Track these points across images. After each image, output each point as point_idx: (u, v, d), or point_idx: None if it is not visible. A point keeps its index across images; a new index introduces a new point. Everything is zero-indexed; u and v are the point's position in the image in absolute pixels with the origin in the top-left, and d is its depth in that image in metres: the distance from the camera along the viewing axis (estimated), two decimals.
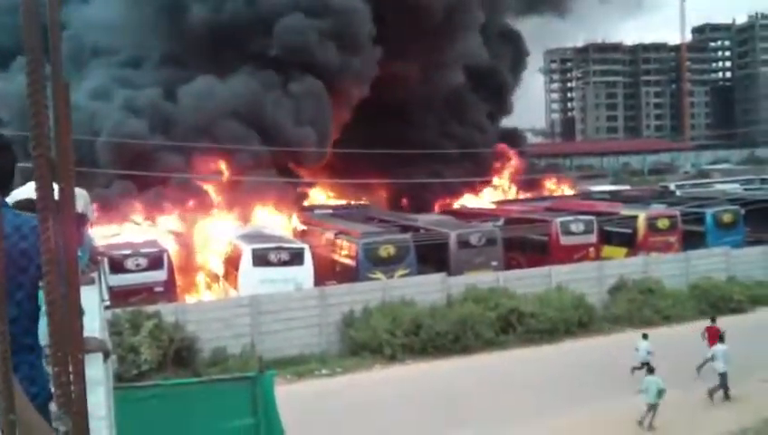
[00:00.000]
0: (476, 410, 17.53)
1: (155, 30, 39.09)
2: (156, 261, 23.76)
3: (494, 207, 41.89)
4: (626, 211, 32.70)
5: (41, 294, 5.08)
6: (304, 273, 24.08)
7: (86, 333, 2.69)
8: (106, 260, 20.75)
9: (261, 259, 23.89)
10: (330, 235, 29.10)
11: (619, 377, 19.34)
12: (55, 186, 2.63)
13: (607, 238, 30.67)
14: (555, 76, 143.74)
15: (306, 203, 40.76)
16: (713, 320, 20.68)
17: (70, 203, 2.41)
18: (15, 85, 32.70)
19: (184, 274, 28.25)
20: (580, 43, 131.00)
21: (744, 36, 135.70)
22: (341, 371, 21.28)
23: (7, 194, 3.51)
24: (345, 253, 27.09)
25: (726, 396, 17.90)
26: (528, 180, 52.78)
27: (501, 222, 32.63)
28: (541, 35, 72.70)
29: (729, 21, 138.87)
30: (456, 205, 44.42)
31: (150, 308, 20.47)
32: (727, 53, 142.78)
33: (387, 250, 25.85)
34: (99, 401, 3.09)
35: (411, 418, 17.23)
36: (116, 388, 7.22)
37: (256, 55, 38.07)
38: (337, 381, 20.47)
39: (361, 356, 21.94)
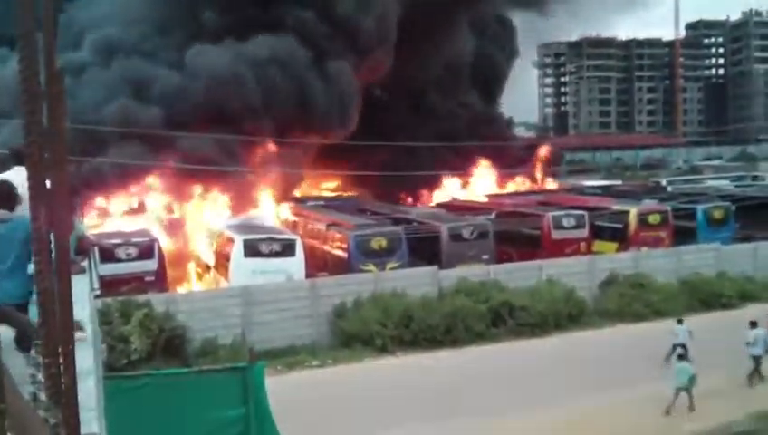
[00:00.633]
0: (466, 402, 17.61)
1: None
2: (147, 250, 23.68)
3: (486, 200, 41.89)
4: (617, 206, 32.79)
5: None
6: (296, 264, 24.06)
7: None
8: (96, 249, 20.69)
9: (252, 250, 23.86)
10: (322, 226, 29.07)
11: (607, 370, 19.44)
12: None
13: (598, 233, 30.74)
14: (549, 70, 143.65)
15: (298, 194, 40.68)
16: None
17: (63, 190, 2.43)
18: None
19: (175, 264, 28.16)
20: (574, 38, 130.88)
21: (737, 33, 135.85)
22: (332, 362, 21.29)
23: None
24: (337, 244, 27.07)
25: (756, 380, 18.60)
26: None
27: (493, 216, 32.63)
28: (534, 29, 72.39)
29: (723, 17, 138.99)
30: (448, 197, 44.40)
31: (141, 298, 20.42)
32: (721, 50, 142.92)
33: (379, 242, 25.85)
34: (89, 391, 3.10)
35: (401, 409, 17.25)
36: (106, 377, 7.22)
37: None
38: (327, 373, 20.49)
39: (352, 348, 21.97)
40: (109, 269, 21.48)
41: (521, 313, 23.42)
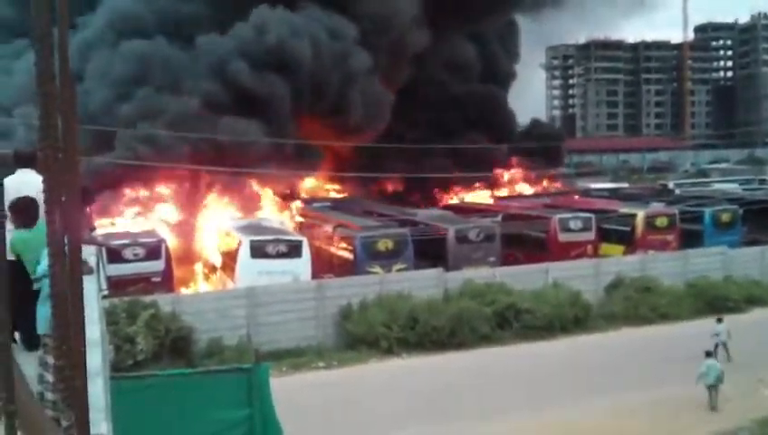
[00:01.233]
0: (471, 404, 17.61)
1: None
2: (154, 251, 23.74)
3: (493, 202, 41.85)
4: (624, 209, 32.73)
5: (45, 283, 5.09)
6: (302, 265, 24.09)
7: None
8: (104, 249, 20.77)
9: (259, 251, 23.89)
10: (328, 228, 29.10)
11: (613, 374, 19.42)
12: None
13: (605, 236, 30.67)
14: (556, 73, 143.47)
15: (304, 195, 40.72)
16: None
17: (76, 194, 2.47)
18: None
19: (181, 264, 28.23)
20: (582, 40, 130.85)
21: (746, 36, 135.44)
22: (337, 364, 21.30)
23: None
24: (343, 246, 27.10)
25: None
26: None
27: (499, 218, 32.61)
28: (542, 32, 72.39)
29: (731, 20, 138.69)
30: (456, 200, 44.39)
31: (147, 298, 20.48)
32: (729, 53, 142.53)
33: (385, 244, 25.87)
34: (97, 392, 3.18)
35: (406, 411, 17.27)
36: (112, 378, 7.26)
37: None
38: (333, 374, 20.51)
39: (358, 349, 21.97)
40: (116, 269, 21.56)
41: (526, 315, 23.37)
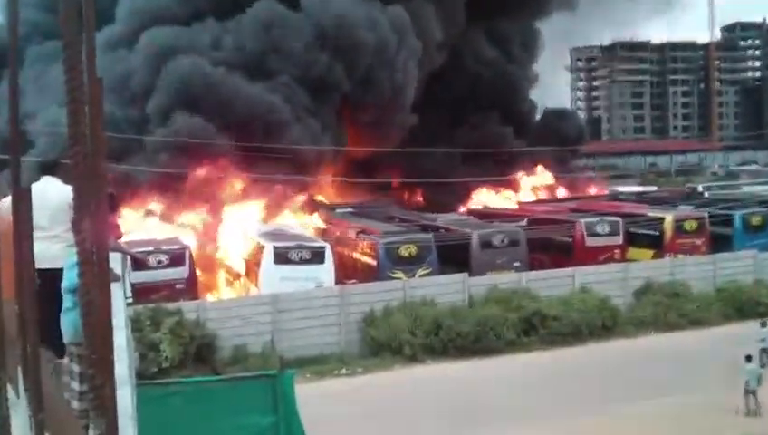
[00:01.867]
0: (497, 412, 17.46)
1: None
2: (178, 258, 23.84)
3: (517, 207, 41.56)
4: (652, 213, 32.29)
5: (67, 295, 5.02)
6: (325, 271, 24.05)
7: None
8: (128, 257, 20.84)
9: (282, 257, 23.89)
10: (351, 233, 29.04)
11: (642, 380, 19.13)
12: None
13: (633, 240, 30.27)
14: (581, 74, 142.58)
15: (327, 201, 40.72)
16: None
17: (104, 202, 2.47)
18: None
19: (205, 271, 28.34)
20: (606, 42, 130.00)
21: None
22: (362, 370, 21.27)
23: None
24: (366, 252, 27.01)
25: None
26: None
27: (524, 222, 32.33)
28: (567, 34, 71.91)
29: (759, 20, 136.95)
30: (479, 205, 44.13)
31: (172, 305, 20.55)
32: (757, 53, 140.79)
33: (408, 250, 25.73)
34: (125, 400, 3.20)
35: (431, 418, 17.24)
36: (137, 385, 7.18)
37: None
38: (357, 381, 20.50)
39: (381, 356, 21.91)
40: (140, 277, 21.66)
41: (553, 322, 23.14)
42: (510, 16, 49.59)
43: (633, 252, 29.91)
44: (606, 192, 51.66)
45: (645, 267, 27.32)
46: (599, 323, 23.69)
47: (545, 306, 23.53)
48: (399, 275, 24.81)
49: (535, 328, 23.08)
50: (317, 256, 24.21)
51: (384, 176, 40.40)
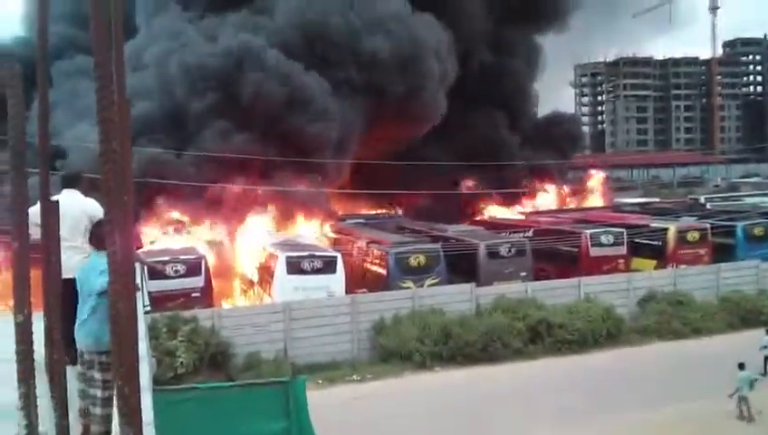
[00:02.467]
0: (503, 418, 17.74)
1: None
2: (194, 267, 24.23)
3: (523, 217, 41.97)
4: (656, 224, 32.70)
5: (90, 300, 5.38)
6: (336, 281, 24.47)
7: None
8: (145, 266, 21.31)
9: (295, 267, 24.32)
10: (361, 243, 29.49)
11: (646, 388, 19.49)
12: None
13: (636, 250, 30.69)
14: (585, 90, 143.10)
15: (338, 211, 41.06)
16: None
17: (129, 216, 2.50)
18: None
19: (221, 279, 28.73)
20: (610, 58, 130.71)
21: None
22: (372, 377, 21.56)
23: None
24: (376, 261, 27.45)
25: None
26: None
27: (530, 233, 32.77)
28: (570, 50, 72.34)
29: (760, 35, 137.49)
30: (486, 216, 44.52)
31: (188, 313, 20.97)
32: (758, 68, 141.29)
33: (417, 259, 26.18)
34: (147, 406, 3.26)
35: (440, 424, 17.50)
36: (154, 390, 7.64)
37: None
38: (368, 387, 20.75)
39: (391, 363, 22.24)
40: (158, 286, 22.12)
41: (559, 330, 23.49)
42: (516, 25, 49.99)
43: (637, 262, 30.32)
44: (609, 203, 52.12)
45: (648, 277, 27.69)
46: (603, 332, 24.03)
47: (551, 315, 23.88)
48: (409, 284, 25.26)
49: (541, 336, 23.42)
50: (329, 266, 24.66)
51: (391, 186, 40.65)
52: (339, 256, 25.49)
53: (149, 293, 21.10)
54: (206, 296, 24.21)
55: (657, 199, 58.63)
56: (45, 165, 3.15)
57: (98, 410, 5.36)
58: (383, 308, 23.47)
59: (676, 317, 25.31)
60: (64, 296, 5.08)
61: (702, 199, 54.47)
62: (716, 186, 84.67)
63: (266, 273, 26.24)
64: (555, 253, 30.50)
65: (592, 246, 29.60)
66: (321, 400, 14.95)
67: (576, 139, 56.93)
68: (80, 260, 5.84)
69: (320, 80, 35.27)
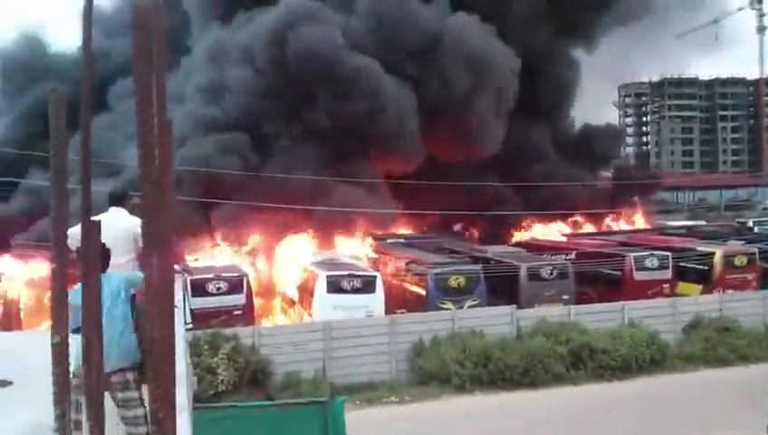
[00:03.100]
0: None
1: None
2: (236, 285, 24.46)
3: (565, 240, 41.52)
4: (702, 247, 32.07)
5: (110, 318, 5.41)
6: (376, 300, 24.47)
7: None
8: (188, 283, 21.61)
9: (335, 286, 24.41)
10: (401, 264, 29.45)
11: (692, 416, 19.04)
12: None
13: (682, 275, 30.10)
14: (629, 110, 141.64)
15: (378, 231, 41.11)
16: None
17: (170, 239, 2.50)
18: None
19: (262, 297, 28.96)
20: (655, 78, 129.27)
21: None
22: (410, 399, 21.47)
23: None
24: (415, 282, 27.37)
25: None
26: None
27: (573, 255, 32.38)
28: (615, 69, 71.75)
29: None
30: (527, 237, 44.16)
31: (229, 330, 21.14)
32: None
33: (457, 280, 26.02)
34: (183, 426, 3.35)
35: None
36: (194, 408, 7.68)
37: None
38: (406, 410, 20.65)
39: (430, 385, 22.10)
40: (200, 303, 22.37)
41: (602, 355, 23.11)
42: (564, 40, 50.00)
43: (682, 287, 29.72)
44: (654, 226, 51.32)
45: (694, 302, 27.14)
46: (647, 358, 23.57)
47: (593, 340, 23.52)
48: (448, 305, 25.12)
49: (584, 362, 23.06)
50: (368, 286, 24.68)
51: (437, 206, 40.66)
52: (378, 275, 25.51)
53: (192, 310, 21.36)
54: (248, 314, 24.39)
55: (704, 223, 57.53)
56: (87, 184, 3.16)
57: (142, 429, 5.39)
58: (422, 329, 23.38)
59: (723, 344, 24.74)
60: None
61: (750, 223, 53.29)
62: (765, 209, 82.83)
63: (306, 291, 26.36)
64: (598, 276, 30.06)
65: (637, 269, 29.10)
66: (358, 421, 14.86)
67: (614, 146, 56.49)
68: None
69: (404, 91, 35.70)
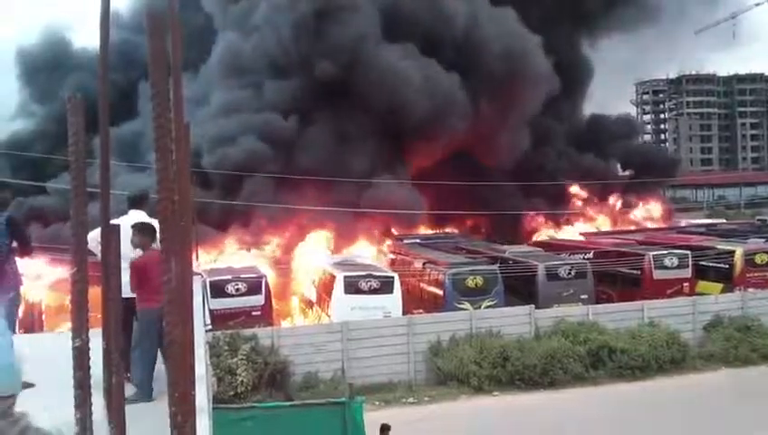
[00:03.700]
0: None
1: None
2: (255, 286, 24.56)
3: (583, 239, 41.29)
4: (722, 246, 31.77)
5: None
6: (393, 301, 24.47)
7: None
8: (208, 284, 21.72)
9: (353, 287, 24.44)
10: (418, 264, 29.42)
11: (711, 415, 18.84)
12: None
13: (702, 273, 29.84)
14: (647, 108, 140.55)
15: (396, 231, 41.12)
16: None
17: (188, 241, 2.53)
18: None
19: (280, 298, 29.05)
20: (672, 75, 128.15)
21: None
22: (428, 399, 21.44)
23: None
24: (433, 282, 27.33)
25: None
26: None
27: (591, 255, 32.18)
28: (632, 66, 71.22)
29: None
30: (545, 237, 43.98)
31: (248, 331, 21.21)
32: None
33: (474, 281, 25.96)
34: (203, 427, 3.27)
35: None
36: (214, 408, 7.71)
37: None
38: (424, 410, 20.63)
39: (448, 386, 22.06)
40: (219, 304, 22.49)
41: (621, 355, 22.96)
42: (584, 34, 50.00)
43: (702, 285, 29.47)
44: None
45: (714, 301, 26.89)
46: (667, 358, 23.39)
47: (613, 340, 23.37)
48: (466, 305, 25.05)
49: (603, 362, 22.93)
50: (386, 286, 24.68)
51: (453, 206, 40.62)
52: (396, 276, 25.50)
53: (211, 310, 21.46)
54: (267, 315, 24.47)
55: (724, 220, 56.99)
56: (106, 188, 3.20)
57: None
58: (440, 330, 23.34)
59: (744, 343, 24.47)
60: (126, 314, 5.21)
61: None
62: None
63: (325, 292, 26.41)
64: (617, 275, 29.87)
65: (656, 268, 28.87)
66: (377, 421, 14.81)
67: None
68: None
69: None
